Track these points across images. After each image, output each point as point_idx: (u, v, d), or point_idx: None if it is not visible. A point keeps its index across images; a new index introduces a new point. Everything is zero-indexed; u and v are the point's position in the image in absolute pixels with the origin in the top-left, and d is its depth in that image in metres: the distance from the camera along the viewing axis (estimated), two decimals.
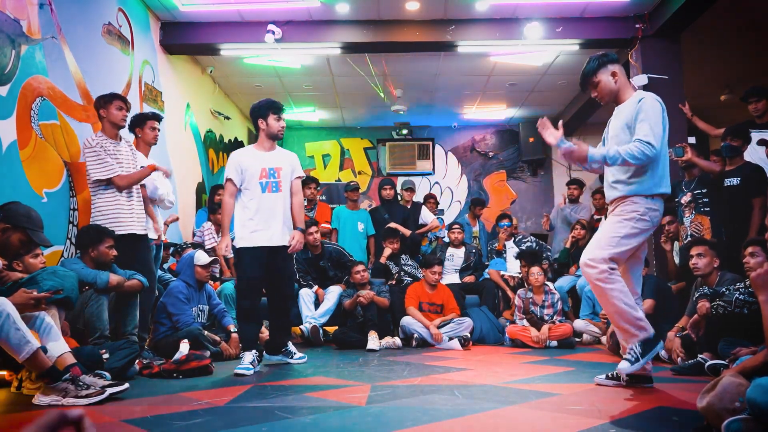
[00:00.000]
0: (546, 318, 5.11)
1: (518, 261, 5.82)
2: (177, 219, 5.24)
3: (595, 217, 6.45)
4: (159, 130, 4.39)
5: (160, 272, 4.68)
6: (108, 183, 3.77)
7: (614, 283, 2.76)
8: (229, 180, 3.70)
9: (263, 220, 3.66)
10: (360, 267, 5.34)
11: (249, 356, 3.58)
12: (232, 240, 3.80)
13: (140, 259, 3.88)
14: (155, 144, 4.40)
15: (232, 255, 3.87)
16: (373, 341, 4.81)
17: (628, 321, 2.76)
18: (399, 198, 6.84)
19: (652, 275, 4.88)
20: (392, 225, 6.12)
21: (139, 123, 4.30)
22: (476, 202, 7.48)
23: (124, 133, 4.23)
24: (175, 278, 4.95)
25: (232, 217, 3.76)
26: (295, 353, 3.93)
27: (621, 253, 2.82)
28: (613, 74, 2.98)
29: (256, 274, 3.66)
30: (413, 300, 5.24)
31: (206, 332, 4.21)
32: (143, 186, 4.15)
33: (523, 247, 6.26)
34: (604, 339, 4.81)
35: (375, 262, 6.07)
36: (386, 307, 5.23)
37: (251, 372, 3.47)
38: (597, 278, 2.77)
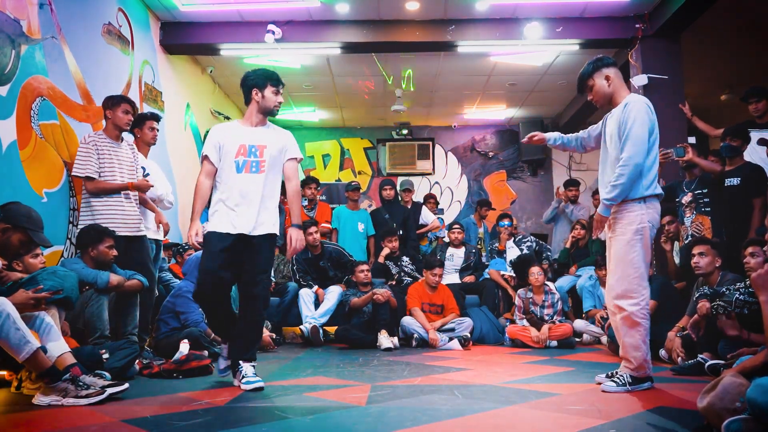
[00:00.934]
0: (546, 318, 5.11)
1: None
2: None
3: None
4: (158, 130, 4.40)
5: (160, 273, 4.68)
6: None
7: (644, 320, 2.87)
8: (206, 157, 3.16)
9: (233, 204, 3.08)
10: (364, 266, 5.36)
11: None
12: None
13: (136, 261, 3.88)
14: (154, 144, 4.40)
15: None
16: (386, 340, 4.82)
17: (636, 358, 2.88)
18: (399, 198, 6.84)
19: (657, 275, 4.87)
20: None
21: (138, 123, 4.31)
22: (483, 203, 7.52)
23: (124, 134, 4.24)
24: (174, 279, 4.96)
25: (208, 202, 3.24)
26: (246, 376, 2.99)
27: (646, 269, 2.90)
28: (607, 78, 3.03)
29: (213, 264, 3.00)
30: (415, 301, 5.24)
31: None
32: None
33: (523, 248, 6.26)
34: (604, 339, 4.81)
35: (374, 263, 6.08)
36: (395, 307, 5.23)
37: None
38: (631, 311, 2.86)
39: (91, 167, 3.77)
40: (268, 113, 3.22)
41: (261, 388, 2.93)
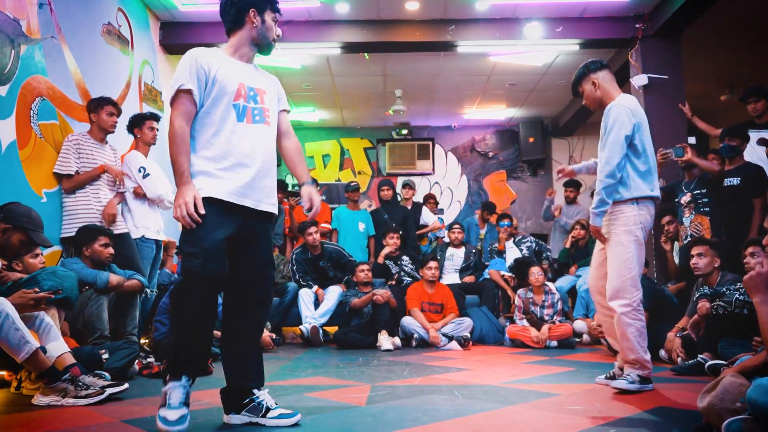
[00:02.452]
0: (546, 318, 5.11)
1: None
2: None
3: None
4: (158, 129, 4.39)
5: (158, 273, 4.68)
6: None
7: (636, 321, 2.87)
8: (185, 92, 2.19)
9: (230, 164, 2.23)
10: (365, 266, 5.37)
11: (178, 393, 2.12)
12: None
13: (122, 258, 3.89)
14: (155, 144, 4.40)
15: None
16: (387, 341, 4.82)
17: (636, 360, 2.88)
18: (399, 198, 6.84)
19: (644, 277, 4.85)
20: None
21: (138, 123, 4.32)
22: (486, 206, 7.51)
23: (122, 134, 4.25)
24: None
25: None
26: (269, 407, 2.24)
27: (639, 271, 2.92)
28: (594, 83, 3.06)
29: (217, 239, 2.14)
30: (415, 301, 5.24)
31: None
32: (138, 186, 4.18)
33: (523, 248, 6.26)
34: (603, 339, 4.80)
35: (374, 262, 6.08)
36: (395, 307, 5.23)
37: (184, 426, 2.07)
38: (622, 312, 2.88)
39: (70, 166, 3.84)
40: (264, 48, 2.41)
41: (299, 424, 2.22)
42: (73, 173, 3.85)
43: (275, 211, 2.39)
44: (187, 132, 2.22)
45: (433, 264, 5.32)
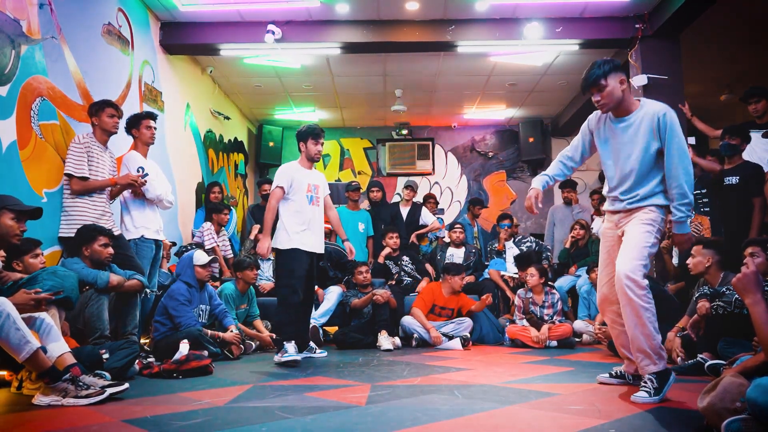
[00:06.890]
0: (546, 318, 5.11)
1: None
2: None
3: (594, 217, 6.45)
4: (155, 128, 4.39)
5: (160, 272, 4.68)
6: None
7: (650, 304, 2.69)
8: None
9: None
10: (363, 268, 5.37)
11: (291, 347, 3.93)
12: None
13: (119, 257, 3.89)
14: (153, 143, 4.39)
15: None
16: (387, 341, 4.82)
17: (652, 347, 2.68)
18: (399, 198, 6.86)
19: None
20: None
21: (135, 124, 4.32)
22: (474, 202, 7.50)
23: (122, 135, 4.25)
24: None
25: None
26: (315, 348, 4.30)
27: (649, 263, 2.78)
28: (622, 81, 2.86)
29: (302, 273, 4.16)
30: (425, 302, 5.21)
31: (208, 332, 4.21)
32: (137, 186, 4.19)
33: (523, 248, 6.26)
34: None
35: (374, 263, 6.08)
36: (395, 307, 5.23)
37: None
38: (637, 295, 2.67)
39: (84, 168, 3.85)
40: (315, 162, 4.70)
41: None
42: (87, 175, 3.86)
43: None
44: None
45: (464, 276, 5.34)
